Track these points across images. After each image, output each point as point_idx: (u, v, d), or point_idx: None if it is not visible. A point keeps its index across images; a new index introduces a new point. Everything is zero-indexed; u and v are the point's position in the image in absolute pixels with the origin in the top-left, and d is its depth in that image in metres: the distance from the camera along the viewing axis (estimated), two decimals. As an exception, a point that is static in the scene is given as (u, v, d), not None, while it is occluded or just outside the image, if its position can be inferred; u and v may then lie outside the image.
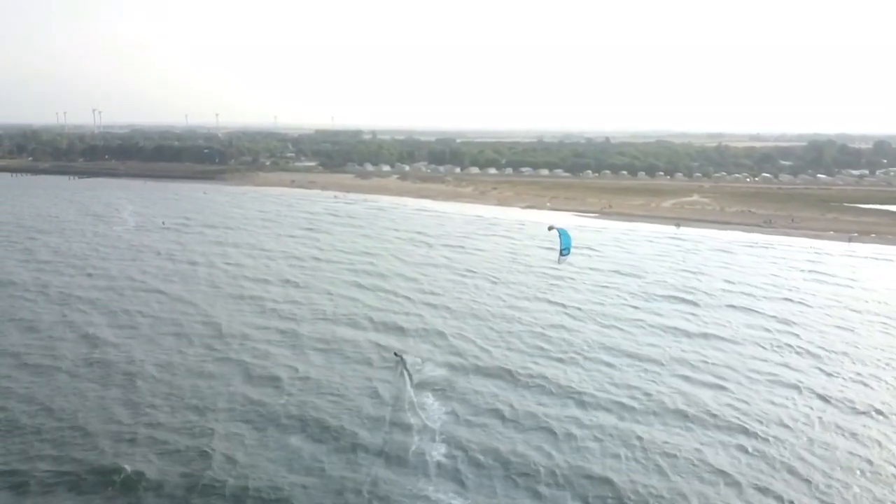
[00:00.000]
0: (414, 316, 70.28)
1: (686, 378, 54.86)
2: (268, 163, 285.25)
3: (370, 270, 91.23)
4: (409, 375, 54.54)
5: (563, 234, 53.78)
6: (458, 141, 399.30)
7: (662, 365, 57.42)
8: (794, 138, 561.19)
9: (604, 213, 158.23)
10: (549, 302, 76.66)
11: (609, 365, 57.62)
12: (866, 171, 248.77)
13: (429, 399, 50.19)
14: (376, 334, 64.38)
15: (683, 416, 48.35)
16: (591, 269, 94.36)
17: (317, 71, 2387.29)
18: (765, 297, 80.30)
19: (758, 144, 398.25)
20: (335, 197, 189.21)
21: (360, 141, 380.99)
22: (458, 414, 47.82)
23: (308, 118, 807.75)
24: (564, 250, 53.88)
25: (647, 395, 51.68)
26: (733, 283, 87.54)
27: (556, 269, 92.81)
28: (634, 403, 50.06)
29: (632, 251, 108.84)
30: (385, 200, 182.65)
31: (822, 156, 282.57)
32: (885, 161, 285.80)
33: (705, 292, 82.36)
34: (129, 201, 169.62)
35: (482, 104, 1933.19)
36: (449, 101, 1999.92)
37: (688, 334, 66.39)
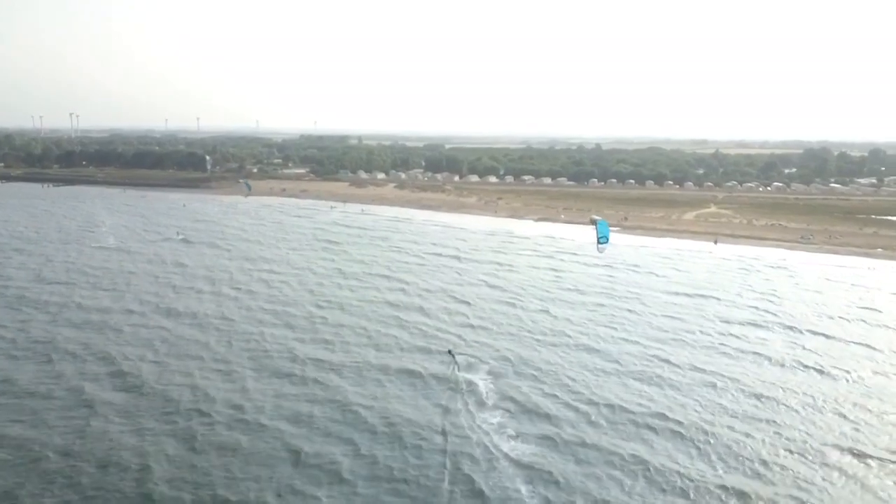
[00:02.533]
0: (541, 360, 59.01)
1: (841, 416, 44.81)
2: (255, 170, 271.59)
3: (413, 296, 79.77)
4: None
5: (600, 224, 58.55)
6: (448, 147, 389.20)
7: (790, 408, 47.22)
8: (777, 145, 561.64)
9: (624, 227, 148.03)
10: (634, 331, 65.93)
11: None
12: (873, 180, 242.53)
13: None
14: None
15: None
16: (665, 291, 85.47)
17: (298, 74, 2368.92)
18: (878, 325, 71.52)
19: (751, 151, 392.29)
20: (332, 207, 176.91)
21: (351, 147, 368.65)
22: None
23: (290, 122, 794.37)
24: (602, 238, 58.14)
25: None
26: (816, 305, 78.67)
27: (621, 292, 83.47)
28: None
29: (684, 269, 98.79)
30: (387, 211, 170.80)
31: (826, 164, 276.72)
32: (884, 169, 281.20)
33: (797, 317, 73.65)
34: (108, 213, 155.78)
35: (465, 109, 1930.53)
36: (432, 106, 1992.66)
37: (804, 366, 57.44)
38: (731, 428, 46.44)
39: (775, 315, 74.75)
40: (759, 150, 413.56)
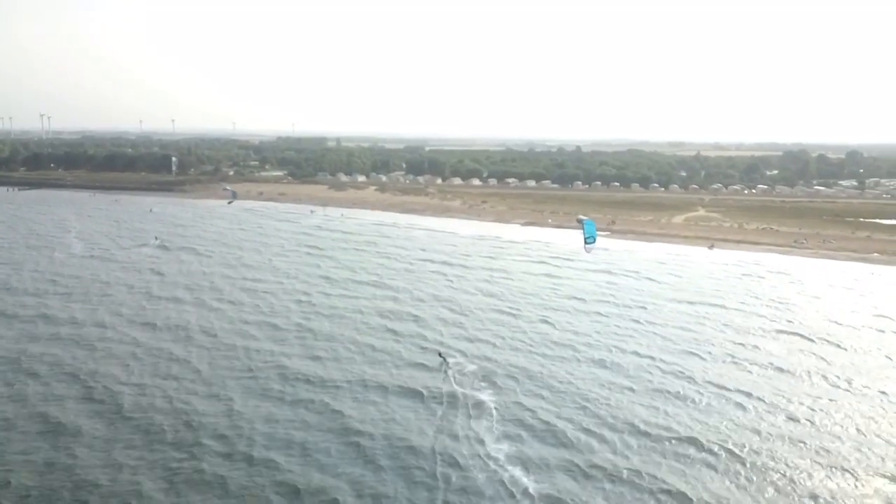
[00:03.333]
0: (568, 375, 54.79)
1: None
2: (231, 172, 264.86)
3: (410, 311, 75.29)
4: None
5: (587, 224, 57.60)
6: (428, 149, 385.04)
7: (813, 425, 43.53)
8: (753, 147, 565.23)
9: (614, 231, 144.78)
10: (644, 343, 61.75)
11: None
12: (854, 182, 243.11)
13: None
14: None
15: None
16: (669, 299, 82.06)
17: (275, 76, 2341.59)
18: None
19: (731, 153, 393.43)
20: (311, 211, 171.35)
21: (329, 149, 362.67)
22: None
23: (267, 124, 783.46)
24: (589, 238, 57.21)
25: None
26: (827, 313, 75.83)
27: (623, 300, 79.78)
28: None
29: (684, 276, 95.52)
30: (369, 215, 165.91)
31: (808, 166, 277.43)
32: (862, 171, 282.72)
33: (811, 326, 70.51)
34: (80, 218, 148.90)
35: (442, 112, 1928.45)
36: (410, 109, 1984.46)
37: (830, 382, 54.13)
38: (770, 455, 42.61)
39: (790, 324, 71.59)
40: (737, 153, 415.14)
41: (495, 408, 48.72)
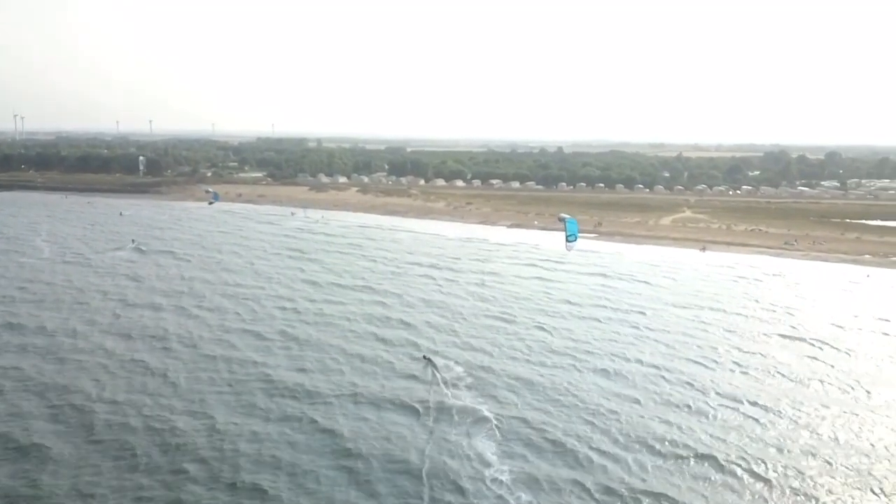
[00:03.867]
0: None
1: None
2: (209, 173, 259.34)
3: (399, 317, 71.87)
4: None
5: (569, 223, 56.85)
6: (410, 150, 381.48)
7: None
8: (732, 148, 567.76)
9: (601, 234, 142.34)
10: (646, 351, 58.74)
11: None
12: (836, 183, 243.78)
13: None
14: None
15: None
16: (666, 303, 79.49)
17: (255, 76, 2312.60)
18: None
19: (712, 154, 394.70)
20: (292, 213, 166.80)
21: (310, 149, 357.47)
22: None
23: (247, 125, 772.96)
24: (571, 237, 56.39)
25: None
26: (830, 317, 73.77)
27: (618, 304, 77.13)
28: None
29: (680, 280, 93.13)
30: (351, 217, 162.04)
31: (789, 167, 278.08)
32: (842, 171, 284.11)
33: (816, 331, 68.03)
34: (52, 221, 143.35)
35: (424, 113, 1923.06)
36: (391, 110, 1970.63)
37: (845, 392, 50.71)
38: (797, 475, 39.84)
39: (794, 329, 69.34)
40: (717, 154, 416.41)
41: (496, 424, 45.53)
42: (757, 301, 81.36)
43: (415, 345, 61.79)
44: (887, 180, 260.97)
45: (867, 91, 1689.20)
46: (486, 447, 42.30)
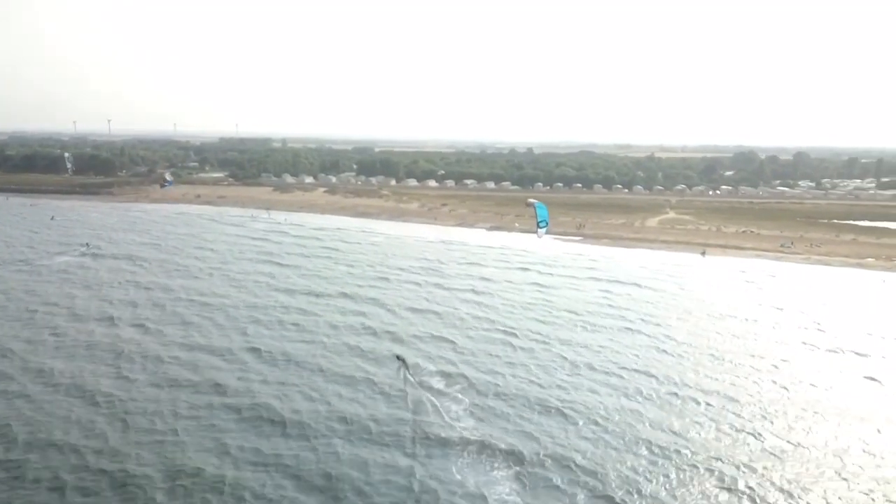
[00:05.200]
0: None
1: None
2: (167, 174, 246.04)
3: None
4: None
5: (539, 208, 55.96)
6: (378, 150, 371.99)
7: None
8: (696, 149, 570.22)
9: (586, 236, 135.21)
10: (679, 380, 51.04)
11: None
12: (812, 183, 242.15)
13: None
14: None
15: None
16: (686, 312, 72.36)
17: (219, 76, 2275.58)
18: None
19: (683, 155, 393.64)
20: (252, 217, 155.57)
21: (274, 149, 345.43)
22: None
23: (210, 125, 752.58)
24: (542, 223, 55.50)
25: None
26: (866, 326, 67.06)
27: (626, 314, 69.40)
28: None
29: (688, 287, 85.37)
30: (319, 220, 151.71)
31: (763, 167, 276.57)
32: (812, 172, 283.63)
33: (863, 344, 60.88)
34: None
35: (391, 113, 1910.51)
36: (357, 110, 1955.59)
37: None
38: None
39: (835, 339, 62.24)
40: (686, 154, 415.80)
41: (512, 460, 37.51)
42: (779, 309, 74.14)
43: (413, 364, 53.14)
44: (858, 180, 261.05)
45: (825, 94, 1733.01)
46: (500, 487, 34.19)
